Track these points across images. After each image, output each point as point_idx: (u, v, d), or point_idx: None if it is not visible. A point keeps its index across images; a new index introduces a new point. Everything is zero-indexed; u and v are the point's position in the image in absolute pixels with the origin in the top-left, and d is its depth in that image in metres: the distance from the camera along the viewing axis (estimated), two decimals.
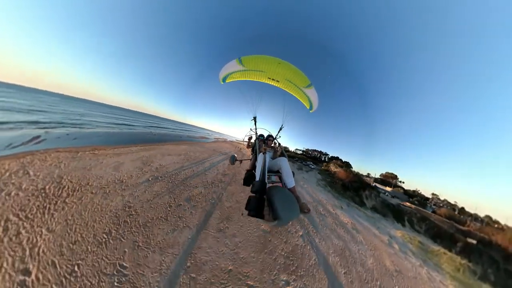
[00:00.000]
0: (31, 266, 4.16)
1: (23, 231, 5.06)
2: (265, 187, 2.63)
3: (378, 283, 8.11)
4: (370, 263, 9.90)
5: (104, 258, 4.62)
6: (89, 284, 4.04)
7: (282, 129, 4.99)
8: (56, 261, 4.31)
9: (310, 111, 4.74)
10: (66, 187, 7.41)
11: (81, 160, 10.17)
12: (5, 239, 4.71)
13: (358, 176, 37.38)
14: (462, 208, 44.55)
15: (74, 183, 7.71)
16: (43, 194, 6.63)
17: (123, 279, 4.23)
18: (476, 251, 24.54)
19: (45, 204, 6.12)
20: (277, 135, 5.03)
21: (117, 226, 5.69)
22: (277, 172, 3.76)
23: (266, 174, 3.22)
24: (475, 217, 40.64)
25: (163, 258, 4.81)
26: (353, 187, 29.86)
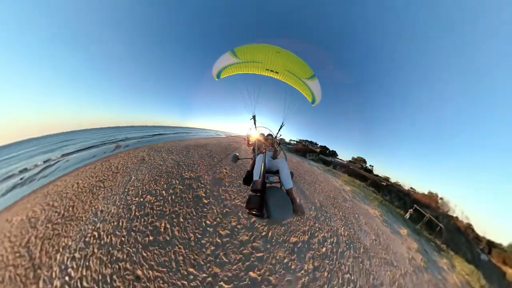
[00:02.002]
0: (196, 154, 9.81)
1: (191, 151, 10.12)
2: (265, 186, 1.87)
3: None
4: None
5: (227, 151, 11.55)
6: (222, 151, 11.30)
7: (283, 126, 3.42)
8: (211, 153, 10.25)
9: (312, 105, 2.93)
10: (198, 146, 11.65)
11: (181, 143, 13.09)
12: (183, 154, 9.40)
13: (308, 147, 36.57)
14: None
15: (199, 146, 11.78)
16: (188, 148, 10.75)
17: (233, 150, 12.30)
18: (386, 189, 23.58)
19: (195, 149, 10.74)
20: (277, 133, 3.50)
21: (228, 146, 13.31)
22: (276, 173, 2.67)
23: (266, 174, 2.38)
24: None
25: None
26: (301, 151, 31.25)
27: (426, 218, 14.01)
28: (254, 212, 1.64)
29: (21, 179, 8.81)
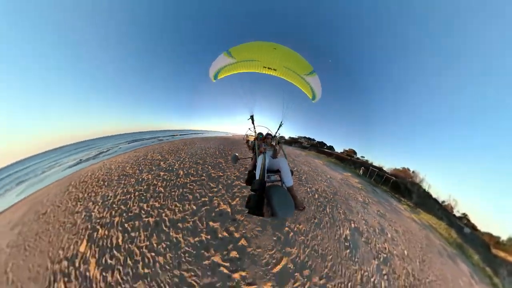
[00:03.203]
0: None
1: (226, 141, 11.96)
2: (264, 186, 1.63)
3: None
4: None
5: (234, 145, 10.69)
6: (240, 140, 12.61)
7: (282, 125, 2.74)
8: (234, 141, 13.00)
9: (313, 101, 2.53)
10: (225, 139, 12.80)
11: (212, 138, 13.50)
12: (224, 140, 11.87)
13: (296, 140, 37.17)
14: None
15: (225, 139, 12.88)
16: (221, 141, 11.86)
17: (232, 149, 9.55)
18: (350, 162, 23.50)
19: (226, 140, 12.45)
20: (276, 132, 2.85)
21: (239, 141, 12.42)
22: (277, 172, 2.24)
23: (266, 173, 2.01)
24: None
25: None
26: (288, 142, 32.56)
27: (380, 174, 12.48)
28: (253, 211, 1.47)
29: (80, 160, 8.96)
